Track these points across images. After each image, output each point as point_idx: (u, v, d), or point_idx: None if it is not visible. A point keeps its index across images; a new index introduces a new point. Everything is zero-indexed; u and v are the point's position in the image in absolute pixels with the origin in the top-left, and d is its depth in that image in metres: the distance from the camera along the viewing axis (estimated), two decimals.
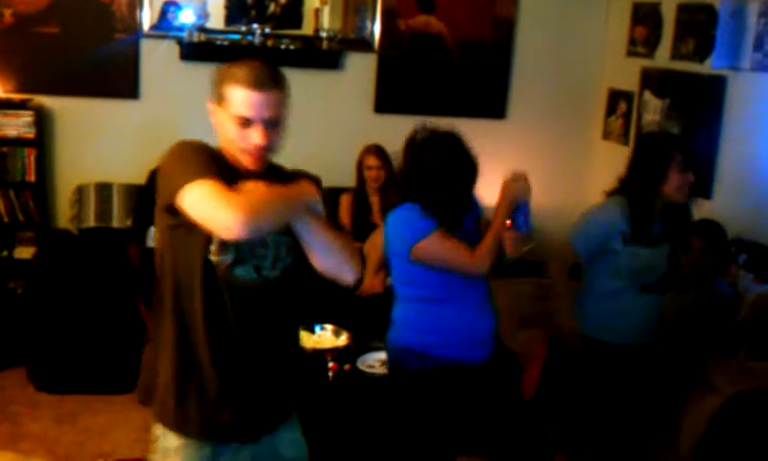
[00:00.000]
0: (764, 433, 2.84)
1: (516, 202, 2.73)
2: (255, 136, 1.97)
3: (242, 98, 1.96)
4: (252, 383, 2.08)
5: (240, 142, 1.99)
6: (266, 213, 1.89)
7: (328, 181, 5.23)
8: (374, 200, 4.91)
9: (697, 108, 4.49)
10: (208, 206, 1.84)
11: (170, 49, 4.96)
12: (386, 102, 5.30)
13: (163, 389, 2.08)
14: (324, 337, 3.56)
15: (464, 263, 2.73)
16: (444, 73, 5.34)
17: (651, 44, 4.93)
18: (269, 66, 2.02)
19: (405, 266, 2.79)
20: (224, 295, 2.00)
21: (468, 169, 2.80)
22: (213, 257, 1.97)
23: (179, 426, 2.07)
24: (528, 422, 3.03)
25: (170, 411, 2.07)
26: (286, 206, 1.95)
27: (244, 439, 2.10)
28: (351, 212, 4.91)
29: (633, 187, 3.09)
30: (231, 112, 1.98)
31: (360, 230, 4.84)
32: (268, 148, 2.02)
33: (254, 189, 1.90)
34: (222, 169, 1.94)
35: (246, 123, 1.97)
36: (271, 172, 2.09)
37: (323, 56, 5.15)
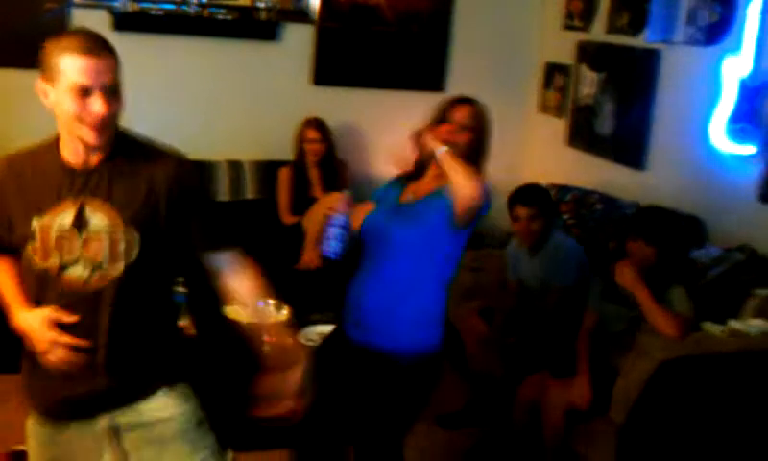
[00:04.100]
0: (691, 398, 2.93)
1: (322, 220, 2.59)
2: (97, 105, 1.88)
3: (78, 65, 1.86)
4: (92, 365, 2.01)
5: (80, 115, 1.89)
6: None
7: (267, 154, 5.22)
8: (314, 173, 4.89)
9: (632, 81, 4.57)
10: None
11: (102, 19, 4.82)
12: (324, 74, 5.26)
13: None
14: (265, 312, 3.55)
15: None
16: (383, 45, 5.32)
17: (587, 18, 4.99)
18: (97, 34, 1.96)
19: None
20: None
21: None
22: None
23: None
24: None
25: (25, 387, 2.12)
26: None
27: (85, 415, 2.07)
28: (291, 186, 4.89)
29: None
30: (67, 83, 1.87)
31: (300, 204, 4.83)
32: (110, 118, 1.92)
33: None
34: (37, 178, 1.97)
35: (84, 92, 1.88)
36: (121, 147, 2.01)
37: (260, 27, 5.08)
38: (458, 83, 5.47)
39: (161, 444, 2.09)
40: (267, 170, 5.02)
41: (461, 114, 2.67)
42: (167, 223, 2.00)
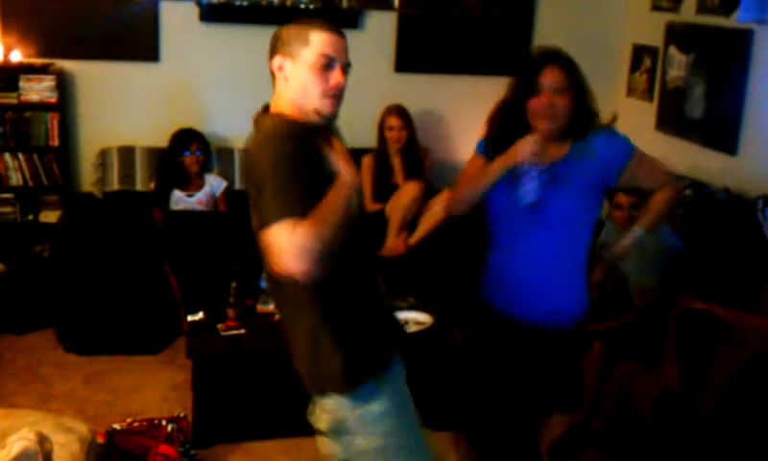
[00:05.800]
0: None
1: (516, 162, 2.46)
2: (336, 76, 2.07)
3: (326, 40, 2.06)
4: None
5: (319, 86, 2.06)
6: (328, 240, 1.86)
7: (349, 142, 5.23)
8: (396, 161, 4.90)
9: (723, 62, 4.42)
10: (276, 253, 1.83)
11: (189, 10, 4.95)
12: (407, 61, 5.26)
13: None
14: None
15: None
16: (466, 31, 5.29)
17: None
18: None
19: None
20: None
21: None
22: None
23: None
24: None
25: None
26: (344, 214, 1.96)
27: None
28: (373, 173, 4.90)
29: None
30: (313, 54, 2.04)
31: (382, 191, 4.84)
32: (344, 90, 2.11)
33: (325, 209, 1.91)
34: (308, 148, 2.02)
35: (328, 64, 2.05)
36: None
37: (342, 15, 5.11)
38: None
39: None
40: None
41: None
42: None
